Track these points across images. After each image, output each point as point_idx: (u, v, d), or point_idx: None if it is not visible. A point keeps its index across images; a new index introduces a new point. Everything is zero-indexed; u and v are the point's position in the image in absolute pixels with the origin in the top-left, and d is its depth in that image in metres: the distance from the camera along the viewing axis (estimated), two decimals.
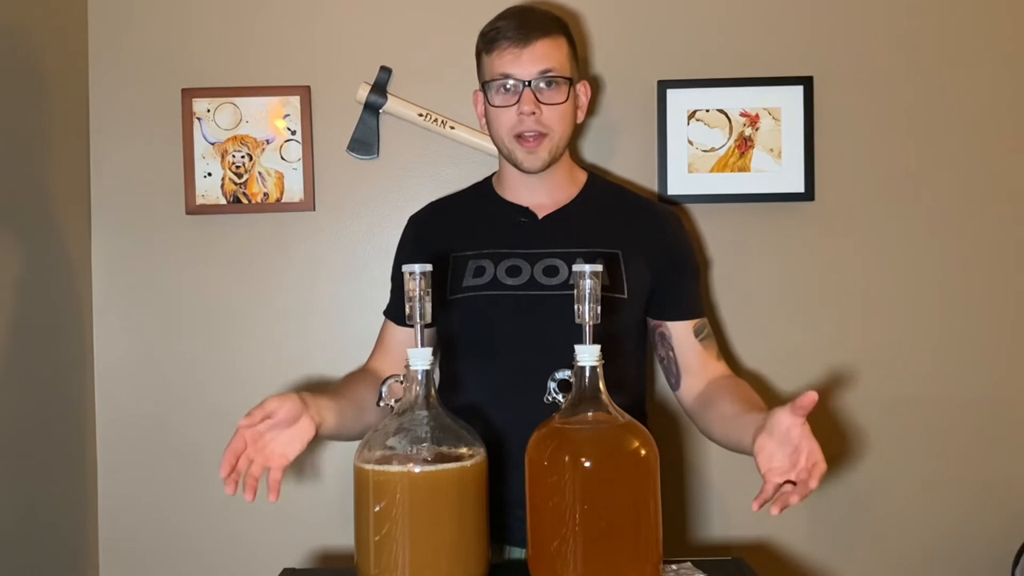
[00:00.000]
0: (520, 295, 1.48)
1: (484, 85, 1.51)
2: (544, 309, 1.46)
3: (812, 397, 1.14)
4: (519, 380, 1.43)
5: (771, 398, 1.95)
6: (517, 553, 1.49)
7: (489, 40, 1.49)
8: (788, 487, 1.18)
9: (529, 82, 1.46)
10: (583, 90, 1.57)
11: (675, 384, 1.56)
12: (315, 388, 1.88)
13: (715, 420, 1.45)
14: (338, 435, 1.41)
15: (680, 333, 1.56)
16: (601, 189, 1.63)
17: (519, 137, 1.48)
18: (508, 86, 1.47)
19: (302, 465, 1.95)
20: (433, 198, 1.70)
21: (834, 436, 1.95)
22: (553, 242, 1.52)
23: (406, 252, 1.63)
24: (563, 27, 1.52)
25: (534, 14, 1.51)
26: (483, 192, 1.63)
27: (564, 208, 1.56)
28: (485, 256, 1.52)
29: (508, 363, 1.48)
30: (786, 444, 1.19)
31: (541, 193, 1.56)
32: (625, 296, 1.50)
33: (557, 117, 1.49)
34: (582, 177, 1.62)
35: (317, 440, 1.32)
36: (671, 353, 1.56)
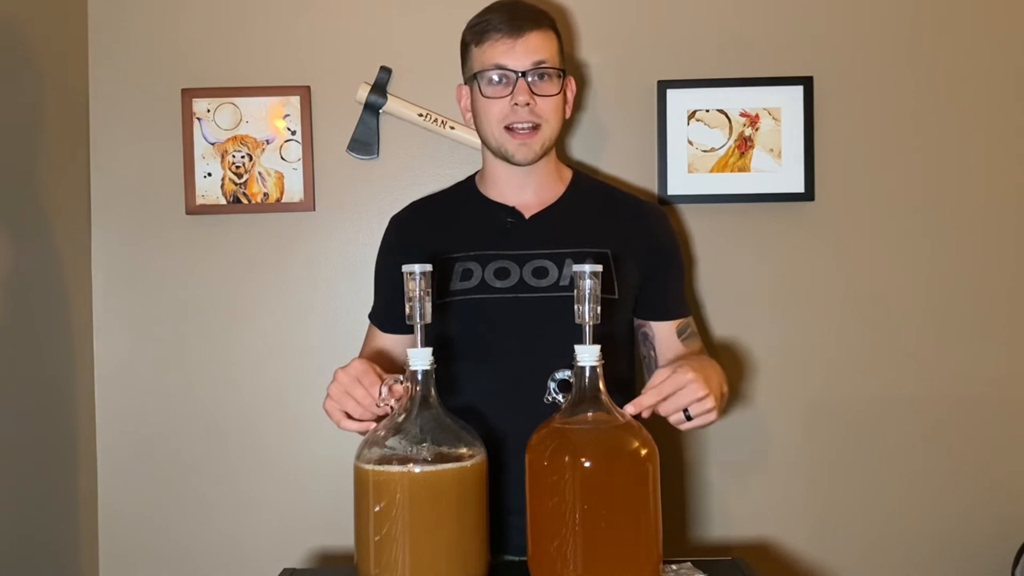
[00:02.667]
0: (510, 298, 1.46)
1: (475, 76, 1.48)
2: (534, 312, 1.45)
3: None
4: (511, 384, 1.43)
5: (771, 398, 1.95)
6: (512, 561, 1.47)
7: (479, 32, 1.47)
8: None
9: (524, 73, 1.44)
10: (570, 86, 1.55)
11: None
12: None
13: None
14: None
15: (663, 334, 1.55)
16: (588, 187, 1.61)
17: (510, 129, 1.47)
18: (501, 77, 1.46)
19: (301, 465, 1.95)
20: None
21: (834, 436, 1.95)
22: (541, 243, 1.50)
23: (389, 253, 1.60)
24: (552, 21, 1.50)
25: (523, 7, 1.50)
26: (467, 191, 1.60)
27: (551, 207, 1.54)
28: (472, 258, 1.50)
29: (500, 367, 1.46)
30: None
31: (527, 191, 1.54)
32: (616, 296, 1.49)
33: (551, 109, 1.47)
34: (568, 175, 1.60)
35: None
36: (652, 353, 1.56)
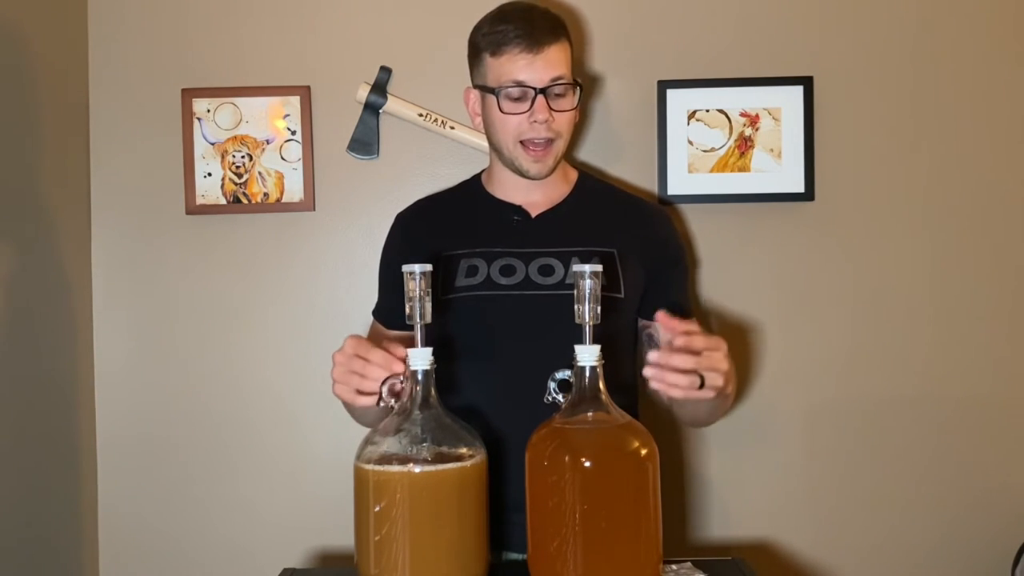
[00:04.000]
0: (515, 295, 1.46)
1: (493, 89, 1.46)
2: (540, 309, 1.45)
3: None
4: (515, 381, 1.42)
5: (771, 398, 1.95)
6: (515, 558, 1.47)
7: (496, 43, 1.45)
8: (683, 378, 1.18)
9: (544, 90, 1.44)
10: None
11: None
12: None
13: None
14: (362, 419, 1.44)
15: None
16: (593, 188, 1.61)
17: (524, 144, 1.47)
18: (521, 94, 1.45)
19: (301, 465, 1.95)
20: None
21: (834, 435, 1.95)
22: (547, 241, 1.50)
23: (394, 251, 1.60)
24: (565, 29, 1.50)
25: (539, 15, 1.47)
26: (473, 190, 1.61)
27: (558, 206, 1.55)
28: (478, 255, 1.50)
29: (504, 364, 1.46)
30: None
31: (534, 192, 1.54)
32: (622, 295, 1.49)
33: (566, 123, 1.48)
34: (573, 175, 1.60)
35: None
36: None
